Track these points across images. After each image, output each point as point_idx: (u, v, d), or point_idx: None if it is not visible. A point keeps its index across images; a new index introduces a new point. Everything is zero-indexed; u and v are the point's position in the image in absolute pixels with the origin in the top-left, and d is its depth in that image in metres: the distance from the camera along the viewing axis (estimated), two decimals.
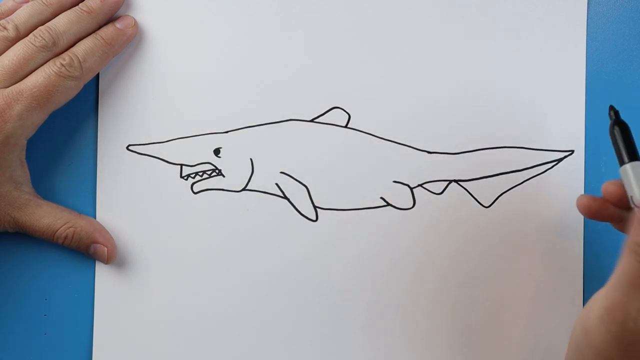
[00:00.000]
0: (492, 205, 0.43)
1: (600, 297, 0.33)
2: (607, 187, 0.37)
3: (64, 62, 0.40)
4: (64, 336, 0.43)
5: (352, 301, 0.43)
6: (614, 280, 0.33)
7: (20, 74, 0.39)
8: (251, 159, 0.43)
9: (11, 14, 0.41)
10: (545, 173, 0.43)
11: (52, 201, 0.42)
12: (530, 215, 0.43)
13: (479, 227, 0.43)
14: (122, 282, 0.43)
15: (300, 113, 0.43)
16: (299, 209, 0.43)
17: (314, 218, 0.43)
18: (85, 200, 0.43)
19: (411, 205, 0.43)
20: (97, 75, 0.43)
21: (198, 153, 0.43)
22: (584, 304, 0.42)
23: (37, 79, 0.39)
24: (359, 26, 0.43)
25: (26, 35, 0.40)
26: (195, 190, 0.43)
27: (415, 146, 0.43)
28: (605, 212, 0.38)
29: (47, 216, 0.41)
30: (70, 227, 0.41)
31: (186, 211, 0.43)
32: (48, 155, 0.43)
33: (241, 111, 0.43)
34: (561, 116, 0.43)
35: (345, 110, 0.43)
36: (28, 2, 0.42)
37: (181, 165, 0.43)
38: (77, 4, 0.41)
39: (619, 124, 0.36)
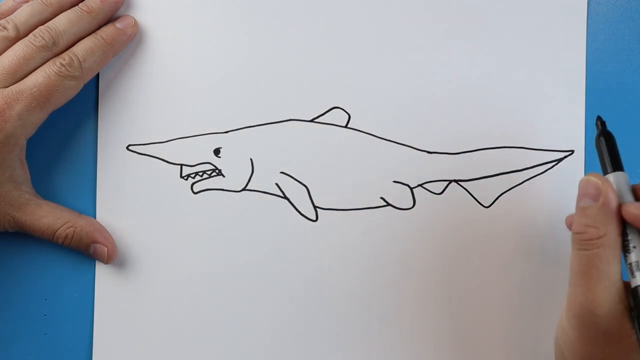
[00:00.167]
0: (492, 205, 0.43)
1: (567, 294, 0.34)
2: (568, 221, 0.38)
3: (64, 62, 0.40)
4: (64, 336, 0.43)
5: (352, 301, 0.43)
6: (570, 274, 0.33)
7: (20, 74, 0.39)
8: (251, 159, 0.43)
9: (11, 14, 0.41)
10: (545, 173, 0.43)
11: (52, 201, 0.42)
12: (530, 215, 0.43)
13: (479, 227, 0.43)
14: (122, 282, 0.43)
15: (300, 113, 0.43)
16: (299, 209, 0.43)
17: (314, 218, 0.43)
18: (85, 200, 0.43)
19: (411, 205, 0.43)
20: (97, 75, 0.43)
21: (198, 153, 0.43)
22: None
23: (37, 78, 0.39)
24: (359, 26, 0.43)
25: (26, 35, 0.40)
26: (195, 190, 0.43)
27: (415, 146, 0.43)
28: None
29: (47, 216, 0.41)
30: (70, 227, 0.41)
31: (186, 211, 0.43)
32: (48, 155, 0.43)
33: (241, 111, 0.43)
34: (561, 116, 0.43)
35: (345, 110, 0.43)
36: (28, 2, 0.42)
37: (181, 165, 0.43)
38: (77, 4, 0.41)
39: (604, 135, 0.36)
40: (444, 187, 0.43)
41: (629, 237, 0.33)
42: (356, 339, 0.43)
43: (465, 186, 0.43)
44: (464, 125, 0.43)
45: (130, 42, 0.43)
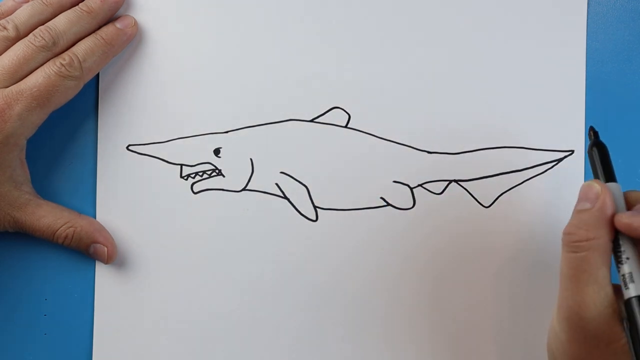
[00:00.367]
0: (492, 205, 0.43)
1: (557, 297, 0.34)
2: None
3: (64, 62, 0.40)
4: (64, 336, 0.43)
5: (352, 300, 0.43)
6: (559, 277, 0.33)
7: (20, 74, 0.39)
8: (251, 159, 0.43)
9: (11, 14, 0.41)
10: (545, 173, 0.43)
11: (52, 201, 0.42)
12: (530, 215, 0.43)
13: (479, 227, 0.43)
14: (122, 282, 0.43)
15: (300, 113, 0.43)
16: (299, 209, 0.43)
17: (314, 218, 0.43)
18: (85, 200, 0.43)
19: (411, 205, 0.43)
20: (97, 75, 0.43)
21: (198, 153, 0.43)
22: None
23: (37, 78, 0.39)
24: (359, 26, 0.43)
25: (26, 35, 0.40)
26: (195, 190, 0.43)
27: (415, 146, 0.43)
28: None
29: (47, 216, 0.41)
30: (70, 227, 0.41)
31: (186, 211, 0.43)
32: (48, 155, 0.43)
33: (241, 111, 0.43)
34: (561, 116, 0.43)
35: (345, 110, 0.43)
36: (28, 2, 0.42)
37: (181, 165, 0.43)
38: (77, 4, 0.41)
39: (597, 145, 0.36)
40: (444, 187, 0.43)
41: (622, 249, 0.33)
42: (356, 339, 0.43)
43: (465, 186, 0.43)
44: (464, 125, 0.43)
45: (130, 42, 0.43)
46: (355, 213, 0.43)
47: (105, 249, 0.42)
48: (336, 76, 0.43)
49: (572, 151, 0.43)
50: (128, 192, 0.43)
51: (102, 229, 0.42)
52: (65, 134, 0.43)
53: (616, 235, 0.33)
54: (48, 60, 0.40)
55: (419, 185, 0.43)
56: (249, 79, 0.43)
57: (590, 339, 0.31)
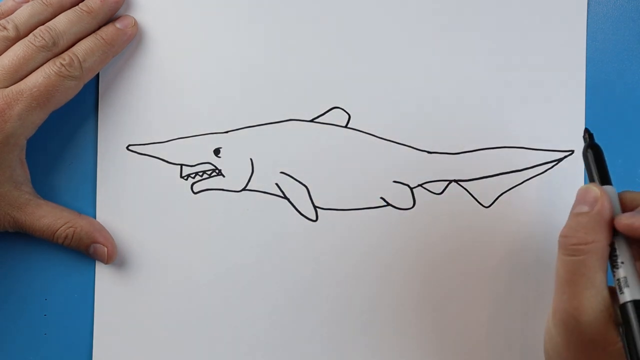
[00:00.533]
0: (492, 205, 0.43)
1: (552, 300, 0.33)
2: None
3: (64, 62, 0.40)
4: (64, 336, 0.43)
5: (352, 301, 0.43)
6: (555, 280, 0.33)
7: (20, 74, 0.39)
8: (251, 159, 0.43)
9: (11, 14, 0.41)
10: (545, 173, 0.43)
11: (52, 201, 0.42)
12: (530, 215, 0.43)
13: (479, 227, 0.43)
14: (122, 282, 0.43)
15: (300, 113, 0.43)
16: (299, 209, 0.43)
17: (314, 218, 0.43)
18: (85, 200, 0.43)
19: (411, 205, 0.43)
20: (97, 75, 0.43)
21: (198, 153, 0.43)
22: None
23: (37, 78, 0.39)
24: (359, 26, 0.43)
25: (26, 35, 0.40)
26: (195, 190, 0.43)
27: (415, 146, 0.43)
28: None
29: (47, 216, 0.41)
30: (70, 227, 0.41)
31: (186, 211, 0.43)
32: (48, 155, 0.43)
33: (241, 111, 0.43)
34: (561, 116, 0.43)
35: (345, 110, 0.43)
36: (28, 2, 0.42)
37: (181, 165, 0.43)
38: (77, 4, 0.41)
39: (592, 147, 0.36)
40: (444, 187, 0.43)
41: (617, 253, 0.33)
42: (356, 339, 0.43)
43: (465, 186, 0.43)
44: (464, 125, 0.43)
45: (130, 42, 0.43)
46: (355, 213, 0.43)
47: (105, 249, 0.42)
48: (336, 76, 0.43)
49: (572, 151, 0.43)
50: (128, 192, 0.43)
51: (102, 229, 0.42)
52: (65, 134, 0.43)
53: (612, 239, 0.33)
54: (48, 60, 0.40)
55: (419, 185, 0.43)
56: (249, 79, 0.43)
57: (587, 342, 0.31)
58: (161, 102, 0.43)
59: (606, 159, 0.43)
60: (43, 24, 0.41)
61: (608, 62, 0.43)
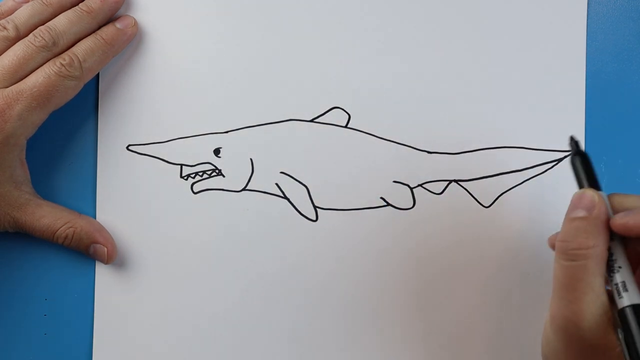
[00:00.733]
0: (492, 205, 0.43)
1: (550, 305, 0.33)
2: (552, 241, 0.38)
3: (64, 62, 0.40)
4: (64, 336, 0.43)
5: (351, 301, 0.43)
6: (553, 285, 0.33)
7: (20, 74, 0.39)
8: (251, 159, 0.43)
9: (11, 14, 0.41)
10: (545, 173, 0.43)
11: (52, 201, 0.42)
12: (530, 215, 0.43)
13: (479, 227, 0.43)
14: (122, 282, 0.43)
15: (300, 113, 0.43)
16: (299, 209, 0.43)
17: (314, 218, 0.43)
18: (85, 200, 0.43)
19: (411, 205, 0.43)
20: (97, 75, 0.43)
21: (198, 153, 0.43)
22: None
23: (37, 78, 0.39)
24: (359, 26, 0.43)
25: (26, 35, 0.40)
26: (195, 190, 0.43)
27: (415, 146, 0.43)
28: None
29: (47, 216, 0.41)
30: (70, 227, 0.41)
31: (186, 211, 0.43)
32: (48, 155, 0.43)
33: (241, 111, 0.43)
34: (561, 116, 0.43)
35: (345, 110, 0.43)
36: (28, 2, 0.42)
37: (181, 165, 0.43)
38: (77, 4, 0.41)
39: (580, 155, 0.35)
40: (444, 187, 0.43)
41: (614, 257, 0.32)
42: (356, 339, 0.43)
43: (465, 186, 0.43)
44: (464, 125, 0.43)
45: (130, 42, 0.43)
46: (355, 213, 0.43)
47: (105, 249, 0.42)
48: (336, 76, 0.43)
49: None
50: (128, 192, 0.43)
51: (102, 229, 0.42)
52: (65, 134, 0.43)
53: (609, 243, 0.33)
54: (48, 60, 0.40)
55: (419, 185, 0.43)
56: (249, 79, 0.43)
57: (587, 348, 0.31)
58: (161, 102, 0.43)
59: (606, 159, 0.43)
60: (43, 24, 0.41)
61: (608, 62, 0.43)
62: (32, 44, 0.39)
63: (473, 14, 0.43)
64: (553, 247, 0.38)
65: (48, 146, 0.43)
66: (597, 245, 0.32)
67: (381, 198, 0.43)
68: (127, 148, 0.43)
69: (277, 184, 0.43)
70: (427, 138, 0.43)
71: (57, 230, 0.41)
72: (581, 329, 0.31)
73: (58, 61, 0.40)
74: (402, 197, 0.43)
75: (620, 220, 0.32)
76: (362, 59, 0.43)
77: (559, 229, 0.34)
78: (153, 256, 0.43)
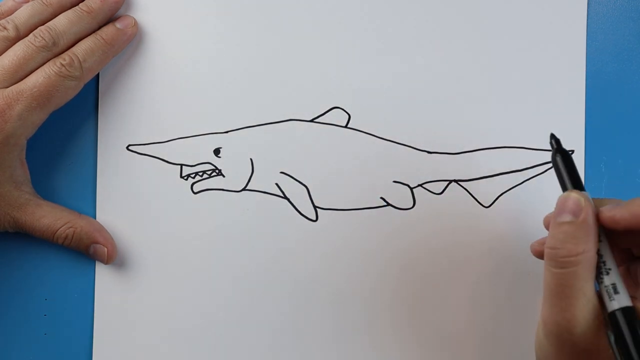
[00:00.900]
0: (492, 205, 0.43)
1: (541, 310, 0.33)
2: (535, 248, 0.38)
3: (64, 62, 0.40)
4: (64, 336, 0.43)
5: (352, 300, 0.43)
6: (543, 291, 0.32)
7: (20, 74, 0.39)
8: (251, 159, 0.43)
9: (11, 14, 0.41)
10: (545, 173, 0.43)
11: (52, 201, 0.42)
12: (530, 216, 0.43)
13: (479, 227, 0.43)
14: (122, 282, 0.43)
15: (300, 113, 0.43)
16: (299, 209, 0.43)
17: (314, 218, 0.43)
18: (85, 200, 0.43)
19: (411, 205, 0.43)
20: (97, 75, 0.43)
21: (198, 153, 0.43)
22: None
23: (37, 78, 0.39)
24: (359, 26, 0.43)
25: (26, 35, 0.40)
26: (195, 190, 0.43)
27: (415, 146, 0.43)
28: None
29: (47, 216, 0.41)
30: (70, 227, 0.41)
31: (186, 211, 0.43)
32: (48, 155, 0.43)
33: (241, 111, 0.43)
34: (561, 116, 0.43)
35: (345, 110, 0.43)
36: (28, 2, 0.42)
37: (181, 165, 0.43)
38: (77, 4, 0.41)
39: (561, 153, 0.35)
40: (444, 187, 0.43)
41: (603, 259, 0.32)
42: (356, 339, 0.43)
43: (465, 186, 0.43)
44: (464, 125, 0.43)
45: (130, 42, 0.43)
46: (355, 213, 0.43)
47: (105, 249, 0.42)
48: (336, 76, 0.43)
49: (572, 151, 0.43)
50: (128, 192, 0.43)
51: (102, 229, 0.42)
52: (65, 134, 0.43)
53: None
54: (48, 60, 0.40)
55: (419, 185, 0.43)
56: (249, 79, 0.43)
57: (579, 352, 0.31)
58: (161, 102, 0.43)
59: (606, 159, 0.43)
60: (43, 24, 0.41)
61: (608, 62, 0.43)
62: (32, 44, 0.39)
63: (473, 14, 0.43)
64: (536, 254, 0.38)
65: (48, 146, 0.43)
66: (587, 251, 0.31)
67: (381, 198, 0.43)
68: (127, 148, 0.43)
69: (277, 184, 0.43)
70: (427, 138, 0.43)
71: (57, 230, 0.41)
72: (573, 334, 0.31)
73: (58, 61, 0.40)
74: (402, 197, 0.43)
75: (608, 213, 0.32)
76: (362, 59, 0.43)
77: None
78: (153, 256, 0.43)
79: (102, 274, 0.43)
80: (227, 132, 0.43)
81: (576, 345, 0.31)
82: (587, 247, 0.31)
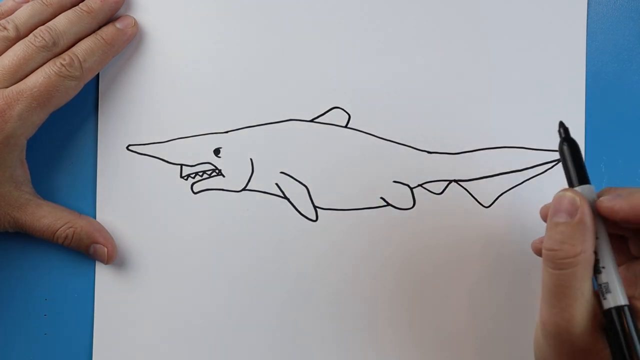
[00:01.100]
0: (492, 205, 0.43)
1: (540, 311, 0.33)
2: (536, 246, 0.38)
3: (64, 62, 0.40)
4: (64, 336, 0.43)
5: (352, 300, 0.43)
6: (542, 292, 0.32)
7: (20, 74, 0.39)
8: (251, 159, 0.43)
9: (11, 14, 0.41)
10: (545, 173, 0.43)
11: (52, 201, 0.42)
12: (530, 216, 0.43)
13: (479, 227, 0.43)
14: (122, 282, 0.43)
15: (300, 113, 0.43)
16: (299, 209, 0.43)
17: (314, 218, 0.43)
18: (85, 200, 0.43)
19: (411, 205, 0.43)
20: (97, 75, 0.43)
21: (198, 153, 0.43)
22: None
23: (37, 79, 0.39)
24: (359, 26, 0.43)
25: (26, 35, 0.40)
26: (195, 190, 0.43)
27: (415, 146, 0.43)
28: None
29: (47, 216, 0.41)
30: (70, 227, 0.41)
31: (186, 211, 0.43)
32: (48, 155, 0.43)
33: (241, 111, 0.43)
34: (561, 116, 0.43)
35: (345, 110, 0.43)
36: (28, 2, 0.42)
37: (181, 165, 0.43)
38: (77, 4, 0.41)
39: (568, 142, 0.34)
40: (444, 187, 0.43)
41: (599, 257, 0.32)
42: (355, 338, 0.43)
43: (465, 186, 0.43)
44: (464, 125, 0.43)
45: (130, 42, 0.43)
46: (355, 213, 0.43)
47: (105, 249, 0.42)
48: (336, 76, 0.43)
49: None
50: (128, 192, 0.43)
51: (102, 229, 0.42)
52: (65, 134, 0.43)
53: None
54: (48, 60, 0.40)
55: (419, 185, 0.43)
56: (249, 79, 0.43)
57: (578, 352, 0.31)
58: (161, 102, 0.43)
59: (606, 159, 0.43)
60: (43, 24, 0.41)
61: (608, 62, 0.43)
62: (32, 44, 0.40)
63: (473, 14, 0.43)
64: (537, 252, 0.38)
65: (48, 146, 0.43)
66: (585, 251, 0.31)
67: (381, 198, 0.43)
68: (127, 148, 0.43)
69: (277, 184, 0.43)
70: (427, 138, 0.43)
71: (57, 230, 0.41)
72: (572, 334, 0.31)
73: (58, 61, 0.40)
74: (402, 197, 0.43)
75: (607, 204, 0.32)
76: (362, 59, 0.43)
77: None
78: (153, 256, 0.43)
79: (102, 274, 0.43)
80: (227, 132, 0.43)
81: (575, 345, 0.31)
82: (584, 247, 0.31)
